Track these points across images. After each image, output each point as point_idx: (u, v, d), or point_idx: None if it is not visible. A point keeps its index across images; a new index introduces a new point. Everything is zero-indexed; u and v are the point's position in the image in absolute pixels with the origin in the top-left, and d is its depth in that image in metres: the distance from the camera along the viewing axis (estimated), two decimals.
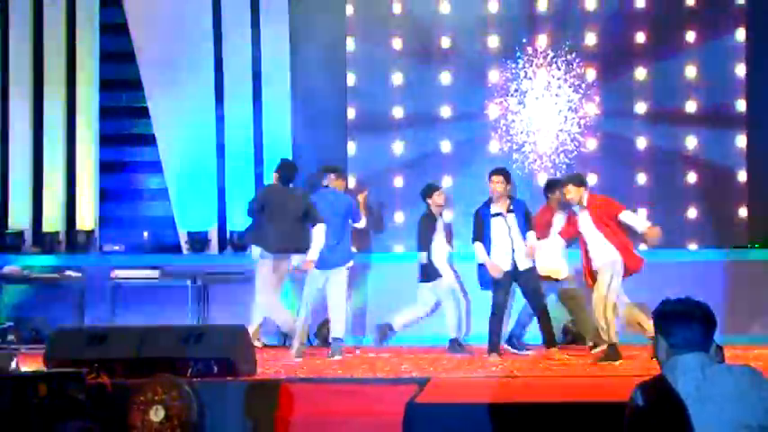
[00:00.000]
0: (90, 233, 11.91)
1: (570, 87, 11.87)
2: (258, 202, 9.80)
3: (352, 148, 12.03)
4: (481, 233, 9.49)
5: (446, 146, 11.98)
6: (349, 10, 12.06)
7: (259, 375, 7.87)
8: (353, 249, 10.24)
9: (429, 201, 10.19)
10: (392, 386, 7.27)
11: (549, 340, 9.40)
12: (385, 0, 12.03)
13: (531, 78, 11.91)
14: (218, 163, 11.83)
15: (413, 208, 10.81)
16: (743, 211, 11.65)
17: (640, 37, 11.85)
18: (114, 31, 12.06)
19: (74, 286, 11.24)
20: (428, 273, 10.11)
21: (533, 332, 9.87)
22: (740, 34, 11.72)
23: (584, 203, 9.16)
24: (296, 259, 9.72)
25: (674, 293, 3.88)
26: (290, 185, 9.92)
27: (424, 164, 11.87)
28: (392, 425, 6.44)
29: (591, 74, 11.89)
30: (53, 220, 11.95)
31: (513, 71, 11.90)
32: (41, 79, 12.08)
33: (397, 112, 12.01)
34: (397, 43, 12.03)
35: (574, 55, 11.84)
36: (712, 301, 3.92)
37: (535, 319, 9.59)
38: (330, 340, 9.76)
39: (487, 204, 9.57)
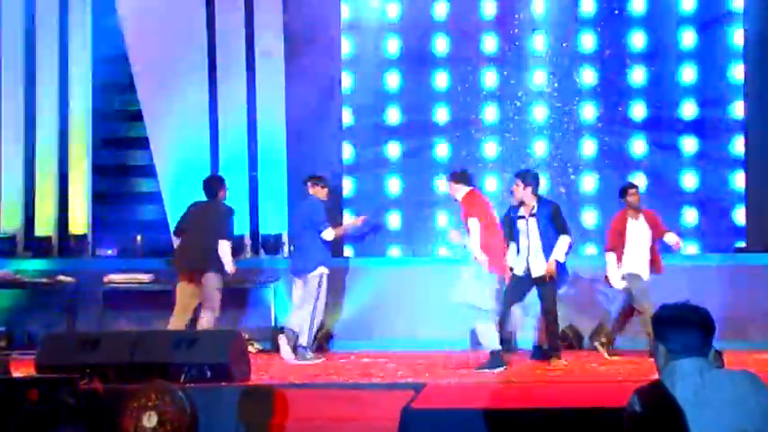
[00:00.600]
0: (83, 237, 11.83)
1: (566, 91, 11.83)
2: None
3: (347, 151, 11.98)
4: (510, 234, 9.34)
5: (442, 149, 11.94)
6: (345, 13, 12.02)
7: (253, 381, 7.84)
8: (349, 254, 10.17)
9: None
10: (388, 392, 7.27)
11: (553, 347, 9.31)
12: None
13: (526, 82, 11.88)
14: (211, 167, 11.76)
15: (408, 211, 10.73)
16: (741, 215, 11.60)
17: (637, 40, 11.82)
18: (108, 33, 11.99)
19: (66, 290, 11.14)
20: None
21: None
22: (738, 37, 11.69)
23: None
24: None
25: (673, 298, 3.84)
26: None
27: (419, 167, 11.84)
28: (388, 431, 6.40)
29: (587, 77, 11.85)
30: (46, 225, 11.87)
31: (510, 74, 11.86)
32: (34, 81, 12.01)
33: (393, 116, 11.97)
34: (392, 46, 11.99)
35: (569, 58, 11.80)
36: (711, 305, 3.87)
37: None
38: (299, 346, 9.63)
39: (517, 207, 9.47)
